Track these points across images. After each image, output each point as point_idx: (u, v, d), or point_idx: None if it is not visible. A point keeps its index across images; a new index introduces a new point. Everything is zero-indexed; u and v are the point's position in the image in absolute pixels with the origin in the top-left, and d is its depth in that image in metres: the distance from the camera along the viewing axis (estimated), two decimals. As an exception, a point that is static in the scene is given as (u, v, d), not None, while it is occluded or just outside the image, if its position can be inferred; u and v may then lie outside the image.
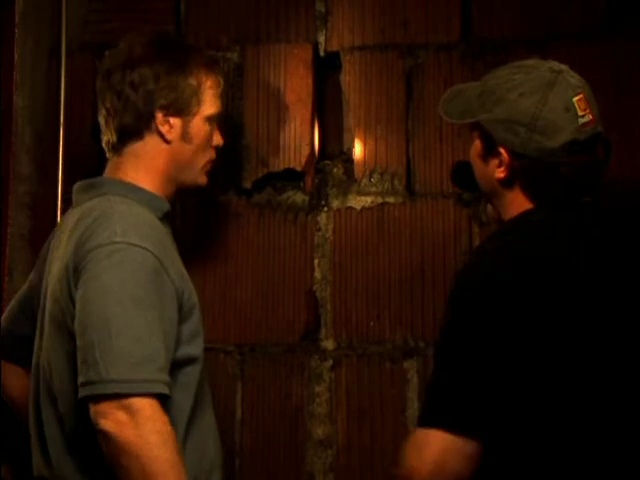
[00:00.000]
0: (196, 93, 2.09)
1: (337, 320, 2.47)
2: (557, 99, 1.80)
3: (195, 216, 2.54)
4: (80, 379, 1.81)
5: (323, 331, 2.47)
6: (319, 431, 2.45)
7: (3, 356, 2.21)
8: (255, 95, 2.57)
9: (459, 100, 1.98)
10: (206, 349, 2.39)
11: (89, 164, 2.43)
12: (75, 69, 2.57)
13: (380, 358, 2.45)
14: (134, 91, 2.05)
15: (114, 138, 2.08)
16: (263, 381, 2.46)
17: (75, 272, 1.90)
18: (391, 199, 2.50)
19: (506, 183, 1.84)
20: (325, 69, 2.59)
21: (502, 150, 1.82)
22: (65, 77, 2.57)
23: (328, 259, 2.50)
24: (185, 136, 2.09)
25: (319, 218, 2.52)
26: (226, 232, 2.53)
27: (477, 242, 2.43)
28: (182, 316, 1.95)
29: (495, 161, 1.85)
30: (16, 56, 2.54)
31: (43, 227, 2.50)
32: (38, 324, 2.06)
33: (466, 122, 1.92)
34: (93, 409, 1.79)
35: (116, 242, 1.88)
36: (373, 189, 2.51)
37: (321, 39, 2.57)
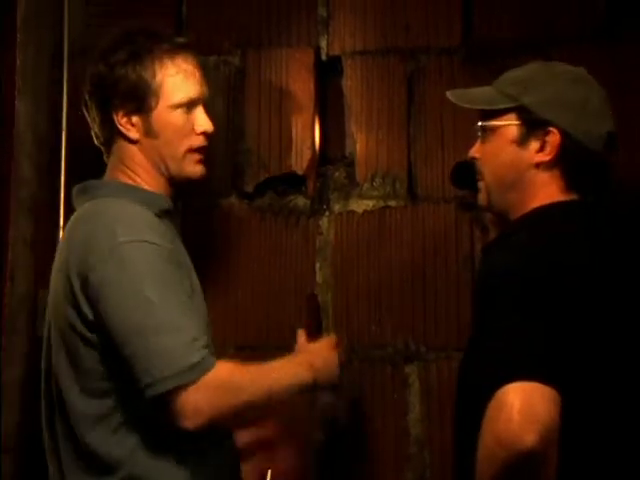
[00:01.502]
0: (149, 85, 2.02)
1: (338, 324, 2.47)
2: (599, 90, 1.86)
3: (197, 220, 2.54)
4: (139, 385, 1.84)
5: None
6: (320, 435, 2.44)
7: None
8: (257, 99, 2.57)
9: (475, 93, 1.97)
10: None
11: (91, 168, 2.42)
12: (77, 73, 2.57)
13: (381, 362, 2.45)
14: (91, 98, 2.06)
15: (98, 143, 2.11)
16: (264, 385, 2.46)
17: (84, 283, 1.90)
18: (393, 203, 2.50)
19: (547, 165, 1.84)
20: (327, 73, 2.59)
21: (554, 130, 1.82)
22: (67, 81, 2.57)
23: (330, 263, 2.50)
24: (149, 132, 2.04)
25: (321, 222, 2.52)
26: (228, 236, 2.53)
27: (479, 246, 2.42)
28: None
29: (536, 144, 1.84)
30: (18, 61, 2.54)
31: (45, 231, 2.50)
32: (45, 339, 2.07)
33: (501, 107, 1.89)
34: (167, 409, 1.84)
35: (121, 242, 1.88)
36: (375, 193, 2.51)
37: (323, 43, 2.58)
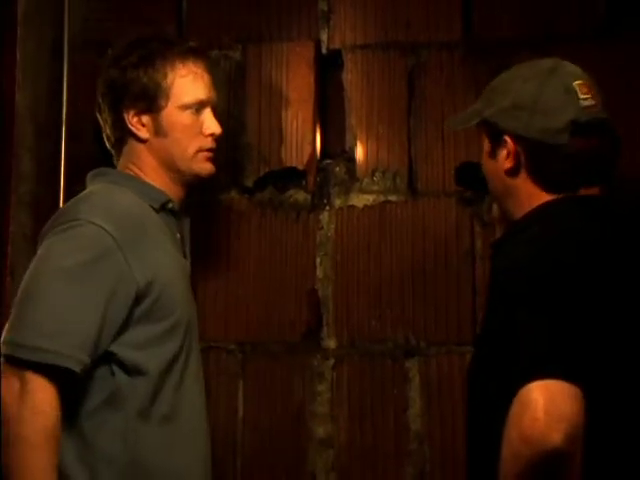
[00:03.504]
0: (160, 86, 2.07)
1: (339, 319, 2.47)
2: (557, 82, 1.84)
3: (197, 215, 2.53)
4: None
5: (325, 330, 2.47)
6: (321, 430, 2.45)
7: None
8: (257, 93, 2.57)
9: (465, 112, 2.03)
10: (208, 348, 2.42)
11: (91, 163, 2.42)
12: (77, 67, 2.57)
13: (382, 357, 2.45)
14: (104, 100, 2.11)
15: (109, 146, 2.16)
16: (265, 380, 2.46)
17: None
18: (393, 197, 2.50)
19: (513, 172, 1.86)
20: (327, 67, 2.58)
21: (507, 138, 1.85)
22: (67, 75, 2.57)
23: (330, 258, 2.50)
24: (159, 131, 2.08)
25: (321, 217, 2.52)
26: (228, 230, 2.53)
27: (479, 241, 2.43)
28: (139, 312, 1.95)
29: (503, 153, 1.87)
30: (18, 55, 2.53)
31: (45, 226, 2.51)
32: None
33: (472, 123, 1.95)
34: None
35: (77, 219, 1.94)
36: (375, 187, 2.51)
37: (323, 37, 2.57)
